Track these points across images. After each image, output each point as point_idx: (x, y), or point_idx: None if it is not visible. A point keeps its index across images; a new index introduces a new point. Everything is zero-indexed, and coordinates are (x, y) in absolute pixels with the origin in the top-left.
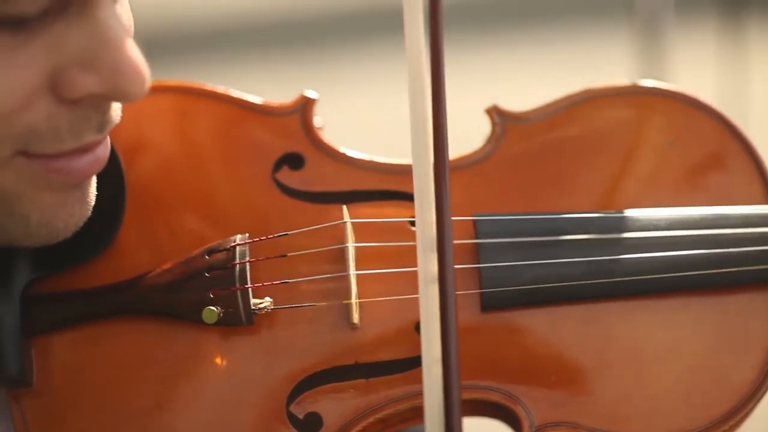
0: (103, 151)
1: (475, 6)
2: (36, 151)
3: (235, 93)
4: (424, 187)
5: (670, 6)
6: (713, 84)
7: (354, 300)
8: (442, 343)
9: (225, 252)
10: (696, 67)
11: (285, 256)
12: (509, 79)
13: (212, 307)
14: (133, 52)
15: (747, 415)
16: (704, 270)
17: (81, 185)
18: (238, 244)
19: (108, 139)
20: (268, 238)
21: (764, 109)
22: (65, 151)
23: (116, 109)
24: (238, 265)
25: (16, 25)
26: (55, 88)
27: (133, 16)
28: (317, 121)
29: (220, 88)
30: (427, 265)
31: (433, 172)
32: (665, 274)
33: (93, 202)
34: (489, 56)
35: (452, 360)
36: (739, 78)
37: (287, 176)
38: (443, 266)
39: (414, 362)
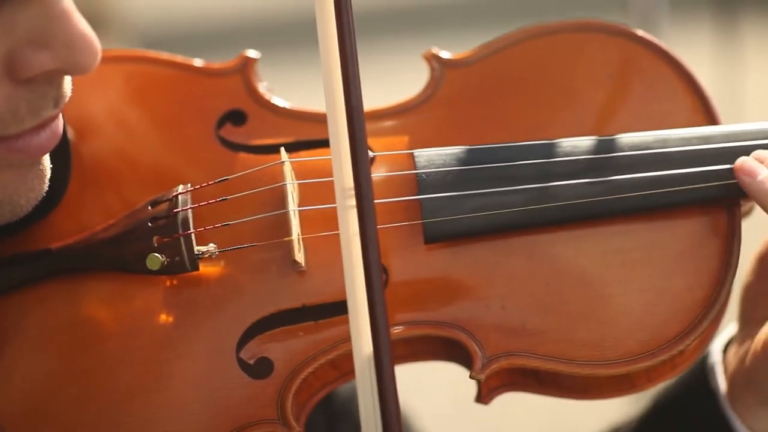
0: (58, 124)
1: (469, 6)
2: None
3: (178, 57)
4: (338, 131)
5: (665, 4)
6: (708, 82)
7: (296, 237)
8: (366, 286)
9: (167, 202)
10: (690, 65)
11: (225, 199)
12: None
13: (156, 254)
14: (83, 24)
15: (704, 335)
16: (645, 191)
17: (38, 161)
18: (180, 193)
19: (61, 113)
20: (209, 184)
21: (760, 107)
22: (25, 130)
23: (69, 83)
24: (180, 213)
25: None
26: (10, 70)
27: (136, 19)
28: (263, 86)
29: (164, 54)
30: (347, 211)
31: (345, 116)
32: (608, 196)
33: (49, 175)
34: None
35: (378, 306)
36: (735, 75)
37: (230, 132)
38: (362, 211)
39: (339, 307)
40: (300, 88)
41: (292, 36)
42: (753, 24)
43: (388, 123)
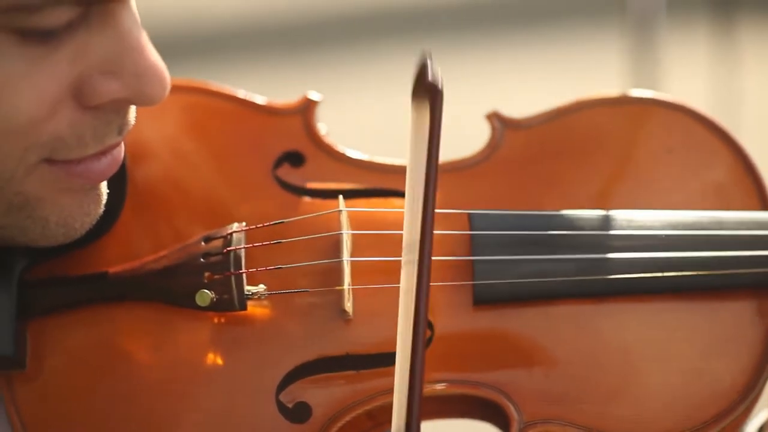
0: (119, 151)
1: (468, 10)
2: (60, 157)
3: (241, 93)
4: (415, 193)
5: (662, 7)
6: (705, 85)
7: (347, 286)
8: (412, 341)
9: (221, 239)
10: (688, 69)
11: (280, 242)
12: (504, 81)
13: (206, 290)
14: (154, 56)
15: (738, 420)
16: (696, 271)
17: (96, 185)
18: (235, 231)
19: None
20: (264, 225)
21: (757, 110)
22: (87, 155)
23: (133, 111)
24: (233, 251)
25: (43, 36)
26: (79, 95)
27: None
28: (321, 127)
29: (226, 88)
30: (408, 266)
31: (424, 178)
32: (657, 273)
33: (105, 200)
34: (483, 59)
35: (418, 356)
36: (732, 79)
37: (287, 173)
38: (421, 265)
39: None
40: (303, 90)
41: (295, 38)
42: (751, 27)
43: (446, 179)
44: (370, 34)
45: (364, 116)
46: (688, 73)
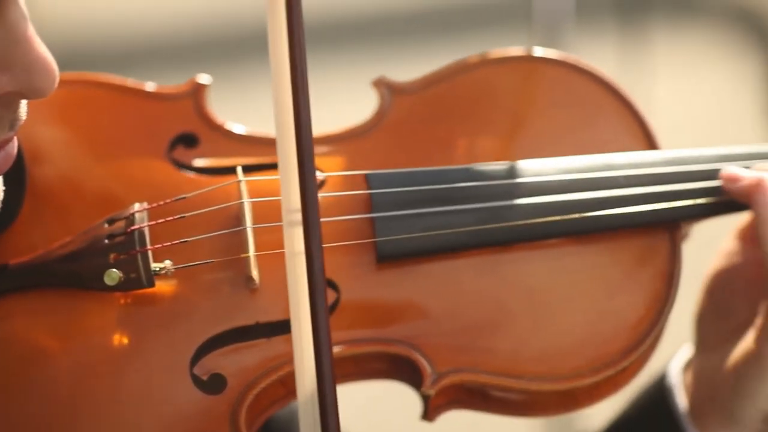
0: (12, 147)
1: (374, 22)
2: None
3: (129, 81)
4: (286, 149)
5: (570, 11)
6: None
7: (251, 253)
8: (310, 303)
9: (124, 219)
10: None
11: (183, 216)
12: None
13: (113, 269)
14: (42, 48)
15: (645, 353)
16: (593, 212)
17: None
18: (137, 211)
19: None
20: (166, 202)
21: (669, 112)
22: None
23: (24, 106)
24: (137, 230)
25: None
26: None
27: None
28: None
29: (115, 78)
30: (293, 228)
31: (294, 135)
32: (555, 217)
33: (2, 196)
34: (393, 70)
35: (321, 324)
36: (643, 82)
37: (183, 154)
38: (308, 228)
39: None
40: (248, 106)
41: (239, 53)
42: (661, 29)
43: (339, 147)
44: (317, 51)
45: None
46: None
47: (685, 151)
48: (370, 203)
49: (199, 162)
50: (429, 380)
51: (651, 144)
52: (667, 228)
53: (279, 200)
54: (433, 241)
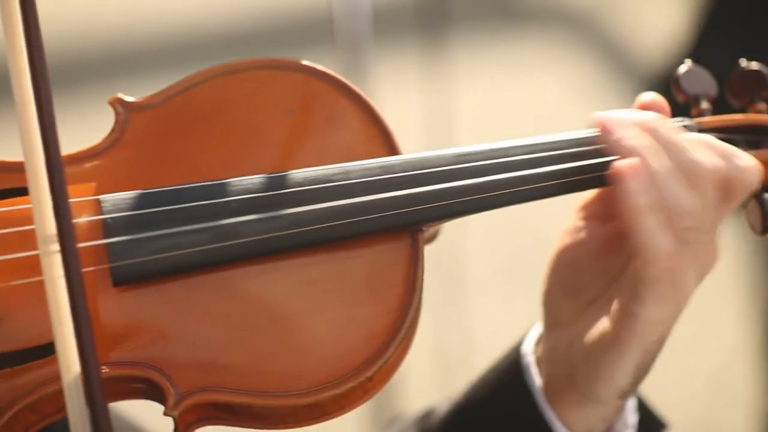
0: None
1: (163, 49)
2: None
3: None
4: (38, 183)
5: (369, 31)
6: (419, 104)
7: None
8: (74, 325)
9: None
10: (401, 90)
11: None
12: None
13: None
14: None
15: (393, 359)
16: (329, 222)
17: None
18: None
19: None
20: None
21: (470, 127)
22: None
23: None
24: None
25: None
26: None
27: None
28: None
29: None
30: (50, 257)
31: (45, 168)
32: (288, 230)
33: None
34: None
35: (86, 341)
36: (445, 98)
37: None
38: (66, 254)
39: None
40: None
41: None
42: (461, 45)
43: (76, 169)
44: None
45: None
46: (401, 95)
47: (421, 154)
48: (103, 228)
49: None
50: (172, 401)
51: (391, 148)
52: (408, 231)
53: (14, 231)
54: (166, 262)
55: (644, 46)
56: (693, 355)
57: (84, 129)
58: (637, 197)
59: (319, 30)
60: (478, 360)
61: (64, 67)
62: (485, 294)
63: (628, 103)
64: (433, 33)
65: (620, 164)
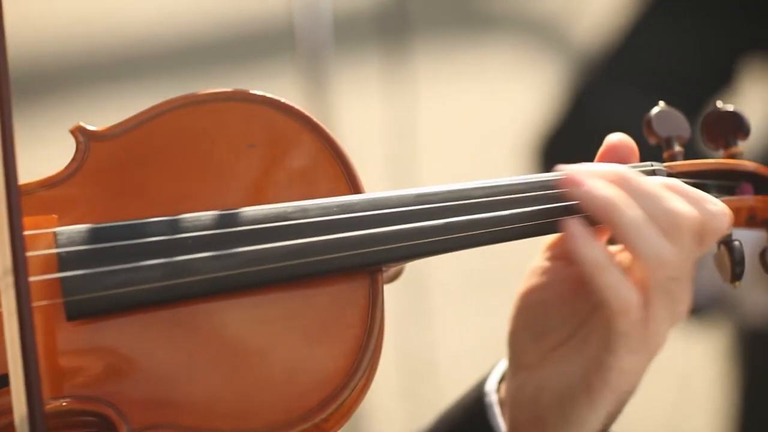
0: None
1: (131, 70)
2: None
3: None
4: None
5: (331, 43)
6: (381, 113)
7: None
8: (22, 361)
9: None
10: (363, 99)
11: None
12: None
13: None
14: None
15: (349, 401)
16: (284, 261)
17: None
18: None
19: None
20: None
21: (432, 138)
22: None
23: None
24: None
25: None
26: None
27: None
28: None
29: None
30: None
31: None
32: (244, 269)
33: None
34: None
35: (33, 377)
36: (406, 108)
37: None
38: (18, 287)
39: (5, 379)
40: None
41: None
42: (423, 52)
43: (34, 198)
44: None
45: None
46: (363, 103)
47: (379, 194)
48: (57, 262)
49: None
50: None
51: (354, 185)
52: (367, 272)
53: None
54: (121, 298)
55: None
56: (659, 359)
57: (45, 156)
58: (590, 254)
59: (280, 39)
60: (443, 368)
61: (25, 93)
62: (450, 304)
63: None
64: (395, 41)
65: (566, 223)
